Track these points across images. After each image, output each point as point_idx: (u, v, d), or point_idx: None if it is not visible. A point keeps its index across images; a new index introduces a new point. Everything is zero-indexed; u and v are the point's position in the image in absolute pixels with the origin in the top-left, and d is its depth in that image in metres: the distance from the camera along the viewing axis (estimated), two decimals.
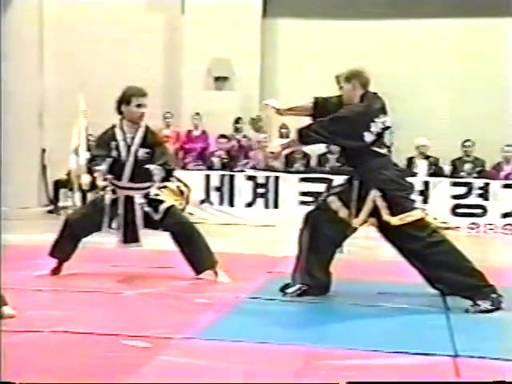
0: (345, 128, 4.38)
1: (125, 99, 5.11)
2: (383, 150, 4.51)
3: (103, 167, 5.05)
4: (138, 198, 5.13)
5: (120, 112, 5.19)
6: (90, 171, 5.24)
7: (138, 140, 5.13)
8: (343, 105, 4.54)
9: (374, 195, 4.43)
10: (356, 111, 4.44)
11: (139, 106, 5.10)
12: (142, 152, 5.12)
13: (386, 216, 4.41)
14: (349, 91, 4.53)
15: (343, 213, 4.53)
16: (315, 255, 4.59)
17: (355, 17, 11.68)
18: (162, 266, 5.72)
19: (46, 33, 12.26)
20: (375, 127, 4.43)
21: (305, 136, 4.44)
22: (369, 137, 4.41)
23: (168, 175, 5.16)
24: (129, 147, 5.12)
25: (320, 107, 4.66)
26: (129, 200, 5.13)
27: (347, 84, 4.52)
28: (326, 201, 4.65)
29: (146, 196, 5.17)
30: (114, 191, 5.19)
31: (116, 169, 5.13)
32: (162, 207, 5.14)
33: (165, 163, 5.10)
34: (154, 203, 5.15)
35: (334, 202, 4.58)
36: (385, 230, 4.53)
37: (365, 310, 4.30)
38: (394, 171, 4.53)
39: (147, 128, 5.20)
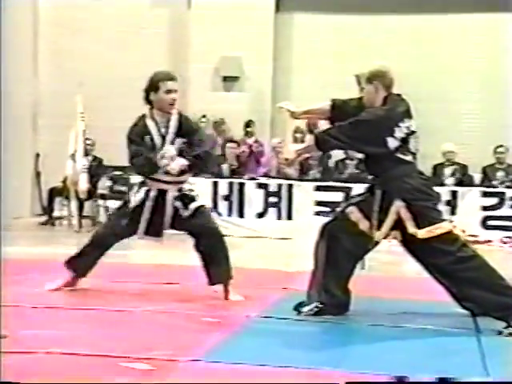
0: (366, 133, 4.38)
1: (153, 86, 5.05)
2: (408, 157, 4.50)
3: (172, 149, 4.98)
4: (172, 191, 5.11)
5: (149, 101, 5.12)
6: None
7: (172, 129, 5.07)
8: (364, 107, 4.54)
9: (398, 206, 4.42)
10: (378, 115, 4.43)
11: (169, 91, 5.03)
12: (178, 142, 5.07)
13: (411, 229, 4.40)
14: (370, 93, 4.52)
15: (364, 225, 4.52)
16: (333, 271, 4.57)
17: (376, 11, 11.70)
18: (167, 281, 5.72)
19: (41, 30, 12.33)
20: (399, 132, 4.42)
21: (322, 141, 4.44)
22: (392, 143, 4.41)
23: (207, 164, 5.15)
24: (163, 138, 5.07)
25: (338, 110, 4.67)
26: (161, 194, 5.12)
27: (369, 85, 4.52)
28: (345, 211, 4.64)
29: (179, 190, 5.15)
30: (143, 184, 5.17)
31: None
32: (193, 205, 5.12)
33: (205, 152, 5.07)
34: (186, 199, 5.14)
35: (354, 213, 4.57)
36: (409, 243, 4.52)
37: (387, 331, 4.27)
38: (419, 180, 4.52)
39: (181, 115, 5.15)
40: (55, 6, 12.24)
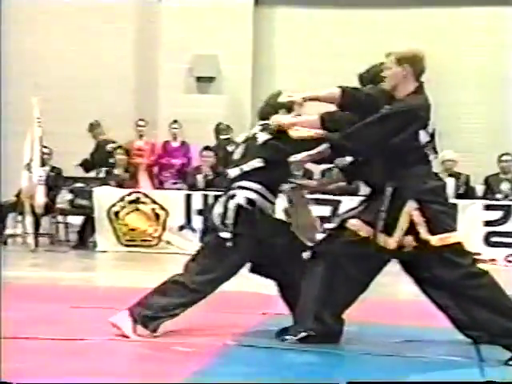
0: (400, 124, 4.32)
1: None
2: (431, 157, 4.50)
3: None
4: None
5: None
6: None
7: None
8: (377, 96, 4.47)
9: (411, 207, 4.37)
10: (418, 104, 4.40)
11: None
12: None
13: (424, 234, 4.35)
14: (397, 77, 4.43)
15: (369, 233, 4.43)
16: (329, 298, 4.51)
17: (367, 5, 11.77)
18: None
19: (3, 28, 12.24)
20: (430, 127, 4.43)
21: (341, 147, 4.39)
22: (424, 137, 4.40)
23: None
24: None
25: (349, 96, 4.54)
26: None
27: (397, 67, 4.43)
28: (345, 225, 4.56)
29: None
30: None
31: None
32: None
33: None
34: None
35: (356, 225, 4.48)
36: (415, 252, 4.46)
37: (381, 361, 4.26)
38: (436, 182, 4.50)
39: None
40: (9, 1, 12.17)
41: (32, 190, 10.21)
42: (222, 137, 11.33)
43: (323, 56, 11.73)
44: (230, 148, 11.08)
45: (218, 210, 4.77)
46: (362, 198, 4.76)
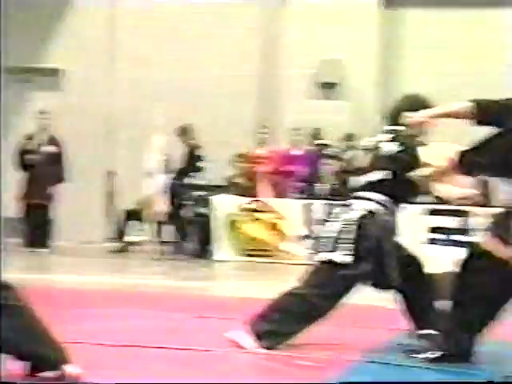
0: None
1: None
2: None
3: None
4: None
5: None
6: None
7: None
8: None
9: None
10: None
11: None
12: None
13: None
14: None
15: (503, 252, 4.31)
16: (462, 314, 4.36)
17: (499, 5, 11.43)
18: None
19: (119, 35, 12.53)
20: None
21: (471, 161, 4.26)
22: None
23: None
24: None
25: (484, 110, 4.41)
26: None
27: None
28: (478, 243, 4.44)
29: None
30: None
31: None
32: None
33: None
34: None
35: (487, 240, 4.36)
36: None
37: None
38: None
39: None
40: (133, 10, 12.41)
41: (154, 197, 10.40)
42: (316, 141, 11.27)
43: (452, 58, 11.44)
44: (326, 152, 11.04)
45: (333, 223, 4.69)
46: (496, 211, 4.58)
